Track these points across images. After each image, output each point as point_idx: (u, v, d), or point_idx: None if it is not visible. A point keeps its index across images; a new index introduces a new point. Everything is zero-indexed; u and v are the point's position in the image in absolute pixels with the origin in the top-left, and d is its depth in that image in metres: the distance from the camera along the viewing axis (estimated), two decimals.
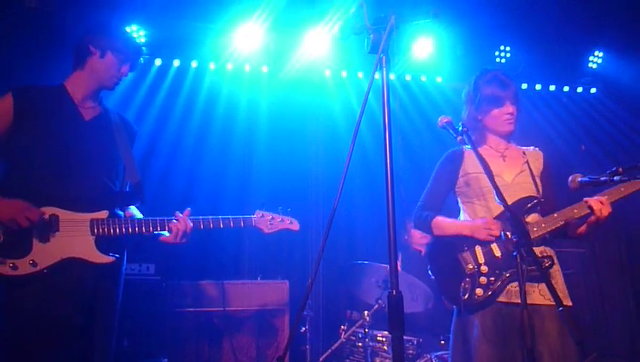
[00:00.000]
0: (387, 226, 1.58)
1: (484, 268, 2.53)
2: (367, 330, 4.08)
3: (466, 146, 2.84)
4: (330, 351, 4.16)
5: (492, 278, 2.50)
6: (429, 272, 2.71)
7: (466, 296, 2.49)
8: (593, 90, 6.08)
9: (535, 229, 2.52)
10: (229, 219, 2.68)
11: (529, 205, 2.58)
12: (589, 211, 2.46)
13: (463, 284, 2.51)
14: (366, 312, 4.10)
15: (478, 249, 2.58)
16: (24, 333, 2.27)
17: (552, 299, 2.42)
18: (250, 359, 4.24)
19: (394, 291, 1.52)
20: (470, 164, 2.76)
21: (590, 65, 5.81)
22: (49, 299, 2.31)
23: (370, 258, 4.43)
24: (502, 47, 5.55)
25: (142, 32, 4.86)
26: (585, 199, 2.48)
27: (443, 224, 2.69)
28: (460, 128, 2.53)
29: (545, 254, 2.52)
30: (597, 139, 5.81)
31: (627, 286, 5.85)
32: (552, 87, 5.98)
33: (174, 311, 4.18)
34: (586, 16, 5.16)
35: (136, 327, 3.91)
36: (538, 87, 5.94)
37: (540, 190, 2.66)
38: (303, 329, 4.38)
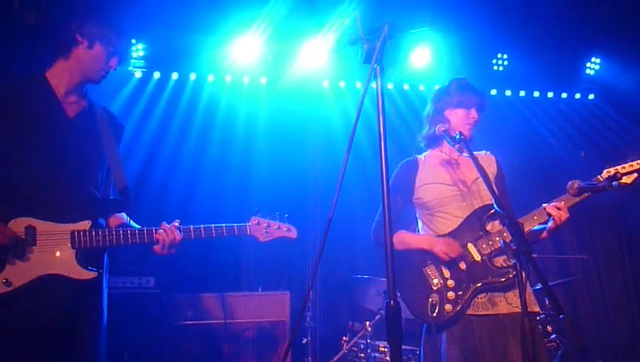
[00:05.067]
0: (384, 235, 1.57)
1: (450, 283, 2.51)
2: (369, 341, 4.06)
3: (420, 156, 2.86)
4: None
5: (460, 292, 2.48)
6: None
7: (435, 313, 2.45)
8: (591, 97, 6.10)
9: (497, 238, 2.50)
10: (222, 227, 2.45)
11: (489, 213, 2.57)
12: (548, 217, 2.47)
13: (430, 300, 2.47)
14: (367, 323, 4.08)
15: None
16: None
17: (519, 307, 2.41)
18: None
19: (392, 301, 1.51)
20: (426, 173, 2.75)
21: (588, 71, 5.82)
22: (25, 321, 2.08)
23: (371, 269, 4.43)
24: (499, 55, 5.57)
25: (140, 46, 4.91)
26: (543, 205, 2.48)
27: (406, 238, 2.66)
28: (458, 136, 2.55)
29: (508, 264, 2.49)
30: (596, 145, 5.81)
31: (630, 291, 5.83)
32: (551, 94, 6.00)
33: (175, 324, 4.15)
34: (583, 22, 5.18)
35: (137, 341, 3.88)
36: (536, 94, 5.94)
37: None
38: (305, 340, 4.35)
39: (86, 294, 2.23)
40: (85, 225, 2.24)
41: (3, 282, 2.08)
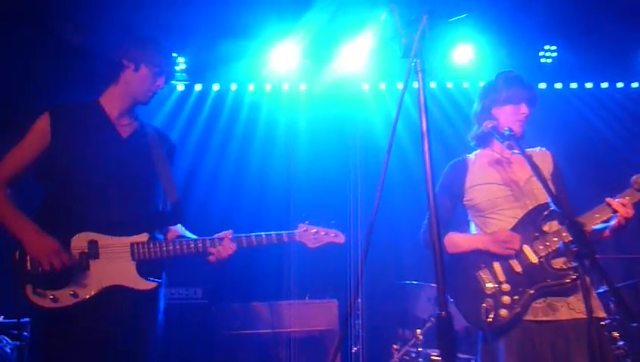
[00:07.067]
0: (432, 242, 1.47)
1: (505, 287, 2.37)
2: (420, 349, 3.93)
3: (470, 155, 2.73)
4: None
5: (516, 297, 2.34)
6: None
7: (490, 318, 2.31)
8: None
9: (555, 239, 2.34)
10: (271, 235, 2.50)
11: (545, 213, 2.40)
12: (612, 215, 2.30)
13: (484, 305, 2.34)
14: (418, 331, 3.95)
15: (497, 265, 2.42)
16: (69, 359, 2.21)
17: (584, 312, 2.14)
18: None
19: (443, 312, 1.40)
20: (477, 174, 2.63)
21: None
22: (91, 327, 2.23)
23: (420, 275, 4.30)
24: (546, 47, 5.32)
25: (181, 60, 5.00)
26: (607, 201, 2.31)
27: (457, 240, 2.55)
28: (507, 132, 2.42)
29: (568, 265, 2.30)
30: None
31: None
32: (605, 85, 5.68)
33: (223, 335, 4.15)
34: (635, 7, 4.89)
35: (186, 353, 3.90)
36: (589, 85, 5.65)
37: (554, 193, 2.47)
38: (355, 349, 4.27)
39: (146, 305, 2.36)
40: (143, 237, 2.36)
41: (70, 294, 2.23)
